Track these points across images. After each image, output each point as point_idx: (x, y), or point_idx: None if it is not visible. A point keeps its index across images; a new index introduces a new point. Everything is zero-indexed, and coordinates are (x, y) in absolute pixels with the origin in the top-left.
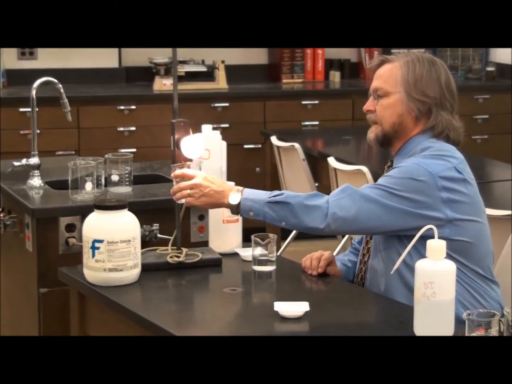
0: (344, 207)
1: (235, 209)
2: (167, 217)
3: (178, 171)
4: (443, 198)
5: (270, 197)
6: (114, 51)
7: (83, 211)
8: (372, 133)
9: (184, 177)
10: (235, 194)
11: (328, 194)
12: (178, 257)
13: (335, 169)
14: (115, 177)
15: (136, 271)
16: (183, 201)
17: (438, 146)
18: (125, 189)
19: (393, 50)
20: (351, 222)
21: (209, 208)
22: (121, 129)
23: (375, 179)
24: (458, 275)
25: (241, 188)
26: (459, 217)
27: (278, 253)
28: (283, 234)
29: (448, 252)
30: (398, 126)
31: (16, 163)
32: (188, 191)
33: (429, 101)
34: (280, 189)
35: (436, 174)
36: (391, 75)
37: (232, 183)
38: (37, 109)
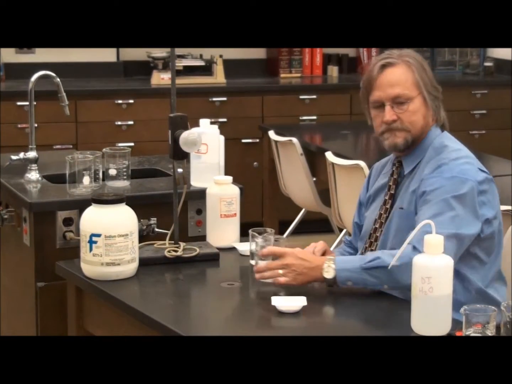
0: None
1: (332, 281)
2: (165, 211)
3: (266, 250)
4: (482, 201)
5: (366, 263)
6: None
7: (81, 205)
8: (399, 138)
9: (272, 255)
10: (329, 267)
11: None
12: (175, 251)
13: (332, 164)
14: (112, 171)
15: (134, 265)
16: (269, 280)
17: (451, 144)
18: (122, 183)
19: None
20: None
21: (303, 284)
22: (119, 123)
23: None
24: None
25: (331, 257)
26: (490, 216)
27: None
28: (281, 228)
29: (476, 252)
30: (425, 127)
31: (13, 157)
32: (280, 271)
33: (440, 96)
34: (277, 184)
35: (475, 180)
36: (407, 78)
37: (230, 178)
38: (35, 103)
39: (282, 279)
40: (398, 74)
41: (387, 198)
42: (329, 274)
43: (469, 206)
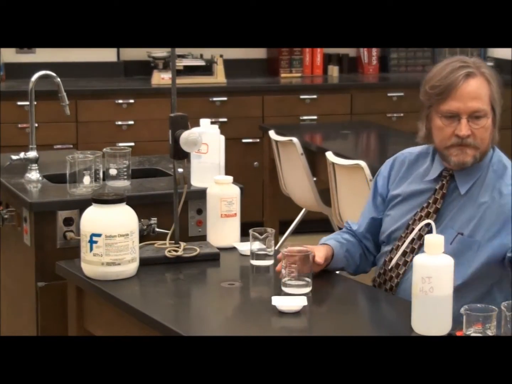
0: None
1: None
2: (165, 211)
3: None
4: None
5: None
6: None
7: (81, 205)
8: (469, 157)
9: None
10: None
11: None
12: (176, 251)
13: (333, 164)
14: (113, 171)
15: (134, 265)
16: None
17: (509, 165)
18: (123, 183)
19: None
20: None
21: None
22: (119, 123)
23: (373, 174)
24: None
25: None
26: None
27: (276, 248)
28: (281, 228)
29: None
30: (489, 145)
31: (14, 157)
32: None
33: (500, 112)
34: (278, 184)
35: None
36: (485, 93)
37: (230, 178)
38: (35, 103)
39: None
40: (477, 87)
41: (431, 211)
42: None
43: None
